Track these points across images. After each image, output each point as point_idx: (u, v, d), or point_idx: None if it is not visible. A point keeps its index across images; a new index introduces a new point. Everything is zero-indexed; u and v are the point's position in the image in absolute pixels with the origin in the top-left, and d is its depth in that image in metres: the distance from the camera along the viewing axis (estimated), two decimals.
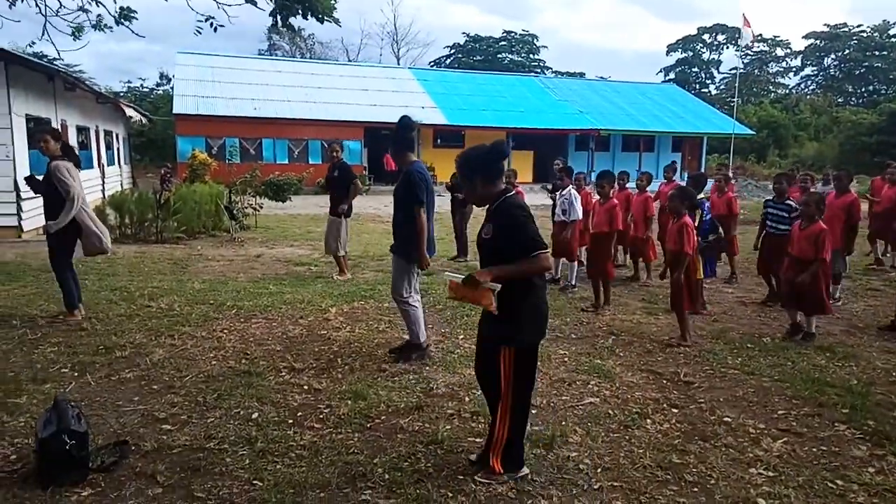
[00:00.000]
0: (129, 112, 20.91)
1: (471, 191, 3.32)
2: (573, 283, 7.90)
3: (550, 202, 9.44)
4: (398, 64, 51.58)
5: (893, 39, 54.20)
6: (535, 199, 14.82)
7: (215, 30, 6.14)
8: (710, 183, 9.32)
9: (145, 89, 43.97)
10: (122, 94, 38.13)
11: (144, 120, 22.99)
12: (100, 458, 3.32)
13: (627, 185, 8.78)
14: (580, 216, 7.80)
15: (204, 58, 29.36)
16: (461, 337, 5.79)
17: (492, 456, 3.29)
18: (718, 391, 4.60)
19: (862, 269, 9.63)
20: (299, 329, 5.91)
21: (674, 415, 4.18)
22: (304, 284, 7.87)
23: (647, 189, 8.89)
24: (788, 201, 7.18)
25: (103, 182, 17.99)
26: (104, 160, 19.34)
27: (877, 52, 54.61)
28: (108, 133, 20.75)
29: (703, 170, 32.14)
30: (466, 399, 4.34)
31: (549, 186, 10.04)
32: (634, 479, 3.35)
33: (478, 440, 3.74)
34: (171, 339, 5.50)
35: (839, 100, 54.58)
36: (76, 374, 4.64)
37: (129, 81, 46.00)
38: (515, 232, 3.09)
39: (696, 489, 3.26)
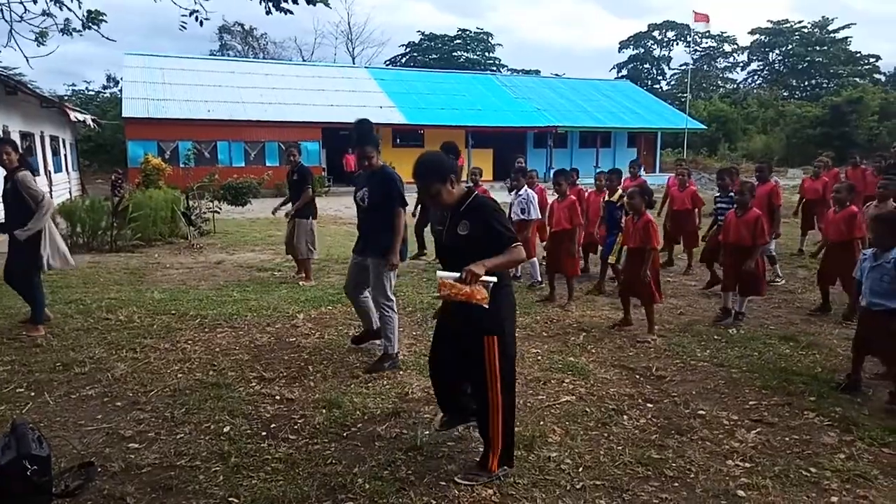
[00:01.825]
0: (76, 116, 20.14)
1: (441, 194, 3.26)
2: (539, 279, 7.97)
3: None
4: (354, 63, 51.16)
5: (832, 35, 56.32)
6: (498, 196, 14.81)
7: (201, 24, 5.85)
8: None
9: (91, 92, 42.56)
10: (66, 97, 36.72)
11: (92, 124, 22.19)
12: (64, 483, 3.16)
13: (578, 182, 8.85)
14: (539, 215, 7.87)
15: (153, 59, 28.54)
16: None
17: (491, 455, 3.28)
18: (690, 384, 4.67)
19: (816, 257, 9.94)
20: (267, 337, 5.77)
21: (649, 409, 4.22)
22: (269, 290, 7.70)
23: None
24: (731, 194, 7.45)
25: (51, 190, 17.27)
26: (51, 167, 18.60)
27: (818, 48, 56.66)
28: (53, 139, 19.95)
29: (658, 164, 32.88)
30: None
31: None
32: (616, 477, 3.36)
33: (459, 445, 3.71)
34: (133, 352, 5.29)
35: (784, 93, 56.41)
36: (33, 393, 4.41)
37: (73, 84, 44.50)
38: (493, 226, 3.16)
39: (676, 484, 3.29)
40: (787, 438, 3.78)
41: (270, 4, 5.30)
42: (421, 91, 31.15)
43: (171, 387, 4.55)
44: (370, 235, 5.03)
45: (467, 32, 59.13)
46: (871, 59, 57.46)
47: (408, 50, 59.60)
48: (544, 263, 7.96)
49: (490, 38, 59.93)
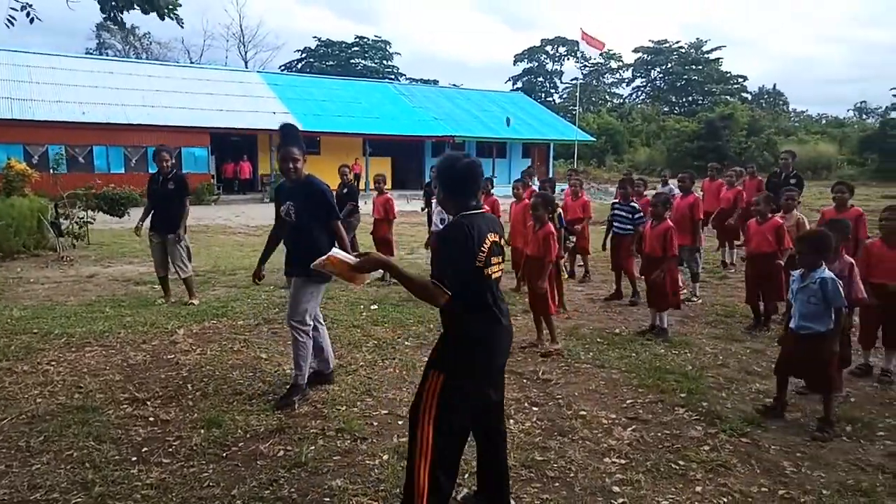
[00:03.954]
0: None
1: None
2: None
3: (418, 209, 9.47)
4: (246, 67, 49.54)
5: (706, 55, 61.12)
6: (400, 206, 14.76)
7: (31, 21, 5.37)
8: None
9: None
10: None
11: None
12: None
13: (493, 192, 8.90)
14: None
15: (19, 55, 26.17)
16: None
17: None
18: (573, 386, 4.84)
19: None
20: (142, 355, 5.40)
21: (534, 413, 4.33)
22: (147, 305, 7.22)
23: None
24: (633, 203, 7.82)
25: None
26: None
27: (694, 66, 61.32)
28: None
29: (551, 174, 34.15)
30: (331, 416, 4.20)
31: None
32: None
33: (345, 458, 3.63)
34: None
35: (665, 109, 60.51)
36: None
37: None
38: (440, 253, 2.83)
39: (557, 483, 3.39)
40: (659, 434, 4.00)
41: (113, 12, 4.86)
42: (317, 98, 30.61)
43: (27, 413, 4.15)
44: (298, 253, 4.41)
45: (365, 40, 58.97)
46: (740, 79, 62.98)
47: (304, 55, 58.59)
48: None
49: (388, 47, 60.13)
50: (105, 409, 4.24)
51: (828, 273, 4.08)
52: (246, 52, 56.86)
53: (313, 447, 3.76)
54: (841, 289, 4.03)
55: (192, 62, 49.75)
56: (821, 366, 4.05)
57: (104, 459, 3.55)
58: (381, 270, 2.97)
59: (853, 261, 4.67)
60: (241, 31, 61.33)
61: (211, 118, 25.53)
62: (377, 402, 4.48)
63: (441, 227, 7.83)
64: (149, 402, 4.39)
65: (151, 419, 4.11)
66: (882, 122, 42.90)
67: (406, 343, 5.91)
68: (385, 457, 3.66)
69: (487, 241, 2.76)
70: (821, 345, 4.02)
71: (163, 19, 5.19)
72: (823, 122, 59.23)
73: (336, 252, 2.90)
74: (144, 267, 9.98)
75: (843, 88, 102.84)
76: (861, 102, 69.58)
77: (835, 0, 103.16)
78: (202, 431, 3.93)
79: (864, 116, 64.21)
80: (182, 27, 5.28)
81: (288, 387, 4.53)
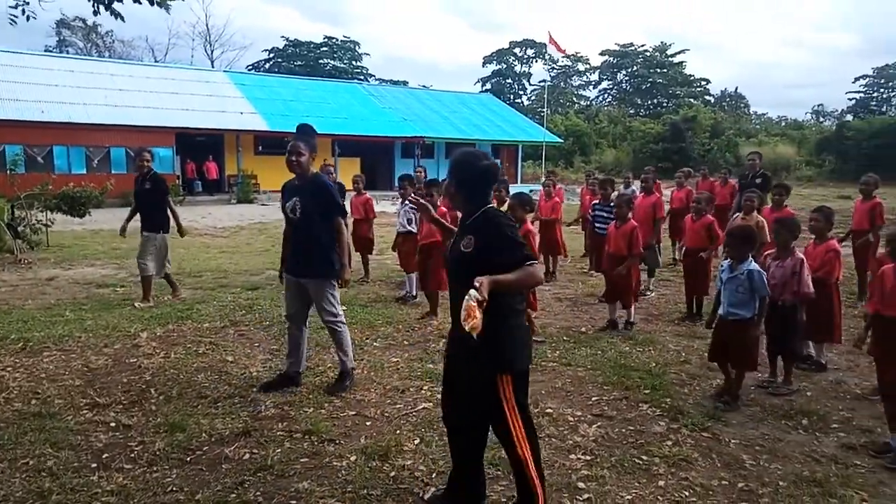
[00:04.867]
0: None
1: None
2: (413, 293, 7.85)
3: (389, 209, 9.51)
4: (212, 67, 48.78)
5: (671, 59, 62.26)
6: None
7: (28, 19, 5.19)
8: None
9: None
10: None
11: None
12: None
13: None
14: None
15: None
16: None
17: None
18: (541, 384, 4.88)
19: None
20: (104, 359, 5.29)
21: None
22: (109, 308, 7.07)
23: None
24: (612, 205, 7.97)
25: None
26: None
27: (658, 70, 62.39)
28: None
29: (519, 175, 34.44)
30: (298, 418, 4.17)
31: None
32: None
33: (312, 461, 3.61)
34: None
35: (631, 111, 61.43)
36: None
37: None
38: (505, 242, 2.77)
39: None
40: (623, 430, 4.07)
41: (101, 5, 4.75)
42: (285, 98, 30.30)
43: None
44: (305, 252, 4.54)
45: (334, 40, 58.62)
46: (703, 83, 64.27)
47: (271, 55, 57.97)
48: None
49: (357, 48, 59.83)
50: (64, 416, 4.14)
51: (754, 265, 4.54)
52: (212, 52, 56.10)
53: (280, 450, 3.73)
54: (766, 280, 4.48)
55: (156, 61, 48.84)
56: (745, 347, 4.47)
57: (62, 467, 3.47)
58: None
59: (803, 257, 4.91)
60: (208, 29, 60.49)
61: (176, 118, 25.06)
62: (345, 403, 4.46)
63: (406, 227, 7.83)
64: (110, 408, 4.30)
65: (113, 425, 4.03)
66: (838, 124, 44.29)
67: (374, 344, 5.90)
68: (353, 458, 3.64)
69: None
70: (746, 329, 4.45)
71: (153, 5, 5.00)
72: (783, 124, 60.80)
73: (470, 300, 2.50)
74: (107, 269, 9.77)
75: (801, 92, 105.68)
76: (818, 106, 71.79)
77: (794, 7, 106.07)
78: (165, 436, 3.86)
79: (822, 119, 66.18)
80: (169, 13, 5.12)
81: (338, 374, 4.78)
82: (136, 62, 37.82)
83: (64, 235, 13.05)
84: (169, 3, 5.08)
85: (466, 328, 2.50)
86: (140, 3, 5.00)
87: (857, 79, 61.57)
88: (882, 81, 60.48)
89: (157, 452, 3.66)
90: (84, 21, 49.46)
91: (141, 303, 7.21)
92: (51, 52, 42.53)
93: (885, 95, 61.20)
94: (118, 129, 23.34)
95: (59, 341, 5.73)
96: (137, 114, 24.45)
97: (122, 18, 5.00)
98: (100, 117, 23.55)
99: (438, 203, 7.32)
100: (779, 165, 40.20)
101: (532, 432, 2.95)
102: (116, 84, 26.37)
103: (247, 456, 3.66)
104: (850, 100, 61.94)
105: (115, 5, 4.79)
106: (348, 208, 9.20)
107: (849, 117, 53.41)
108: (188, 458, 3.63)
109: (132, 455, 3.64)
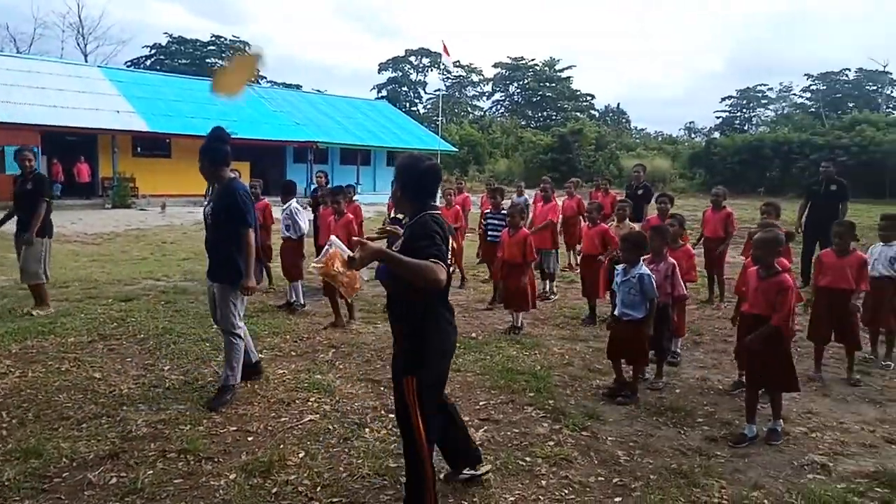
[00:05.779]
0: None
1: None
2: (302, 302, 7.63)
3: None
4: (86, 61, 45.38)
5: (559, 73, 65.13)
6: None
7: None
8: None
9: None
10: None
11: None
12: None
13: (356, 199, 9.00)
14: (305, 231, 7.75)
15: None
16: (167, 368, 5.23)
17: None
18: None
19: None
20: None
21: (390, 420, 4.31)
22: None
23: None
24: (503, 212, 8.18)
25: None
26: None
27: (548, 84, 65.10)
28: None
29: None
30: (173, 437, 3.92)
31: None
32: (354, 491, 3.38)
33: (187, 481, 3.40)
34: None
35: (522, 122, 63.55)
36: None
37: None
38: (423, 236, 2.82)
39: None
40: (508, 433, 4.16)
41: None
42: (168, 97, 28.66)
43: None
44: (215, 257, 4.57)
45: (222, 39, 56.42)
46: (589, 97, 67.76)
47: (153, 52, 54.90)
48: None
49: (247, 48, 57.76)
50: None
51: (645, 269, 4.84)
52: (86, 45, 52.11)
53: (151, 471, 3.49)
54: (654, 283, 4.77)
55: (18, 52, 44.68)
56: (638, 344, 4.80)
57: None
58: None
59: (675, 262, 5.30)
60: (80, 20, 56.01)
61: (42, 115, 22.99)
62: (226, 418, 4.25)
63: (287, 232, 7.67)
64: None
65: None
66: (707, 141, 47.89)
67: (260, 356, 5.67)
68: (232, 476, 3.48)
69: (448, 240, 2.93)
70: (638, 328, 4.79)
71: None
72: (659, 139, 65.20)
73: (335, 241, 2.76)
74: None
75: (675, 110, 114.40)
76: (690, 123, 77.86)
77: (669, 30, 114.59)
78: (18, 464, 3.51)
79: (693, 136, 71.53)
80: None
81: (218, 388, 4.59)
82: None
83: None
84: None
85: (312, 268, 2.66)
86: None
87: (723, 99, 67.24)
88: (744, 102, 66.42)
89: (7, 482, 3.32)
90: None
91: (38, 310, 6.88)
92: None
93: (746, 115, 67.26)
94: None
95: None
96: None
97: None
98: None
99: (344, 210, 7.21)
100: (656, 178, 43.02)
101: (433, 436, 3.05)
102: None
103: (113, 480, 3.40)
104: (718, 118, 67.55)
105: None
106: None
107: (716, 134, 58.08)
108: (44, 486, 3.32)
109: None
